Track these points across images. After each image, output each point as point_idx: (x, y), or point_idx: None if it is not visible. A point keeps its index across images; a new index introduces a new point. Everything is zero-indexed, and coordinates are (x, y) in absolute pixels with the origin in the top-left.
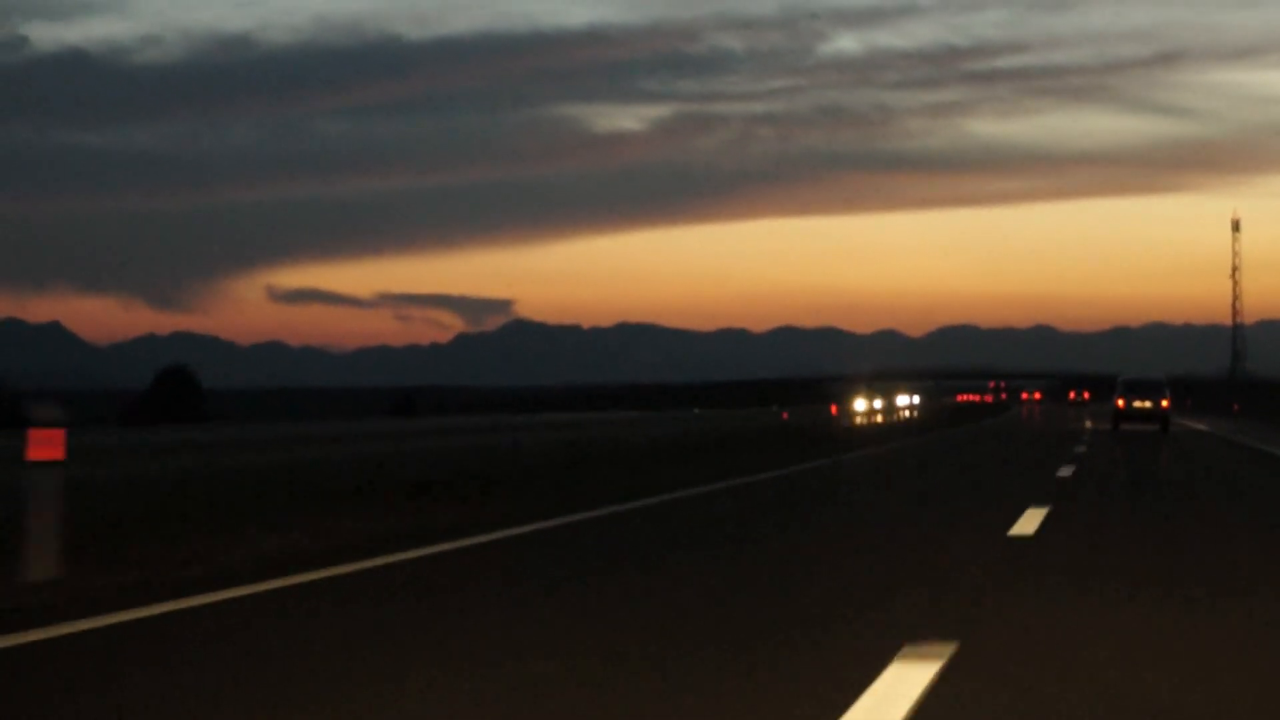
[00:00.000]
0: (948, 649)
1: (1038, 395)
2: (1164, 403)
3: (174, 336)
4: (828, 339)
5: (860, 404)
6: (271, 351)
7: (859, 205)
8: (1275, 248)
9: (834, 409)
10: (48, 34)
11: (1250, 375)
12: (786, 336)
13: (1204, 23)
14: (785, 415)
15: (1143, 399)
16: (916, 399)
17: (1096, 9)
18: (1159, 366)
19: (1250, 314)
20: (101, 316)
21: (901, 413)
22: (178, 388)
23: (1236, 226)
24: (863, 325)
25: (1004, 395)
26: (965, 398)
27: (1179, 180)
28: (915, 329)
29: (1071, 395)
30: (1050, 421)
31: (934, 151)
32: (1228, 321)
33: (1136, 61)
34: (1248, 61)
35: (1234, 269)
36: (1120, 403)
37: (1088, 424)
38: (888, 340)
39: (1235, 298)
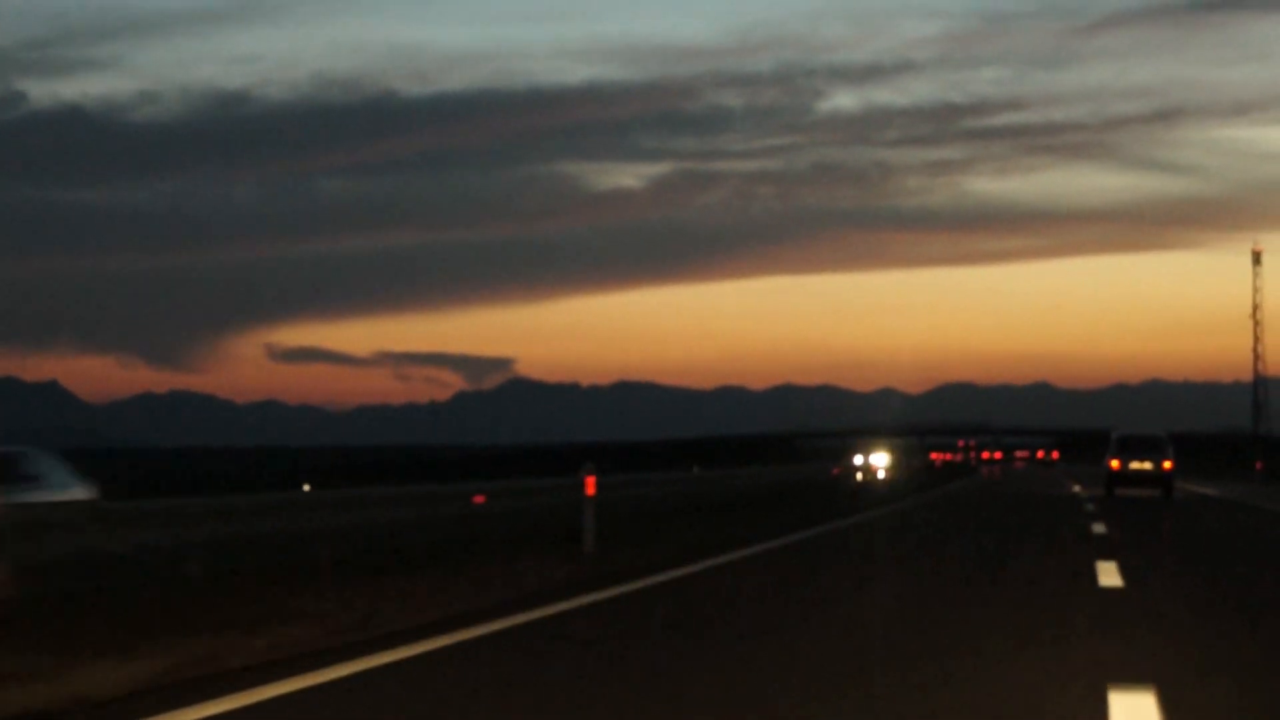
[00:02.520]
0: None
1: (1040, 454)
2: (1166, 463)
3: (171, 395)
4: (827, 396)
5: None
6: (269, 410)
7: (857, 263)
8: (1275, 303)
9: (836, 470)
10: (44, 90)
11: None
12: (786, 394)
13: (1203, 80)
14: (837, 471)
15: (1141, 459)
16: (886, 459)
17: (1095, 67)
18: (1158, 424)
19: (1244, 372)
20: (99, 375)
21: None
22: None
23: (1258, 259)
24: (862, 383)
25: (988, 454)
26: (939, 456)
27: (1178, 237)
28: (914, 386)
29: (1040, 454)
30: (1021, 486)
31: (933, 209)
32: (1227, 378)
33: (1135, 119)
34: (1247, 118)
35: (1255, 307)
36: (1115, 464)
37: (1075, 488)
38: (887, 398)
39: (1257, 339)
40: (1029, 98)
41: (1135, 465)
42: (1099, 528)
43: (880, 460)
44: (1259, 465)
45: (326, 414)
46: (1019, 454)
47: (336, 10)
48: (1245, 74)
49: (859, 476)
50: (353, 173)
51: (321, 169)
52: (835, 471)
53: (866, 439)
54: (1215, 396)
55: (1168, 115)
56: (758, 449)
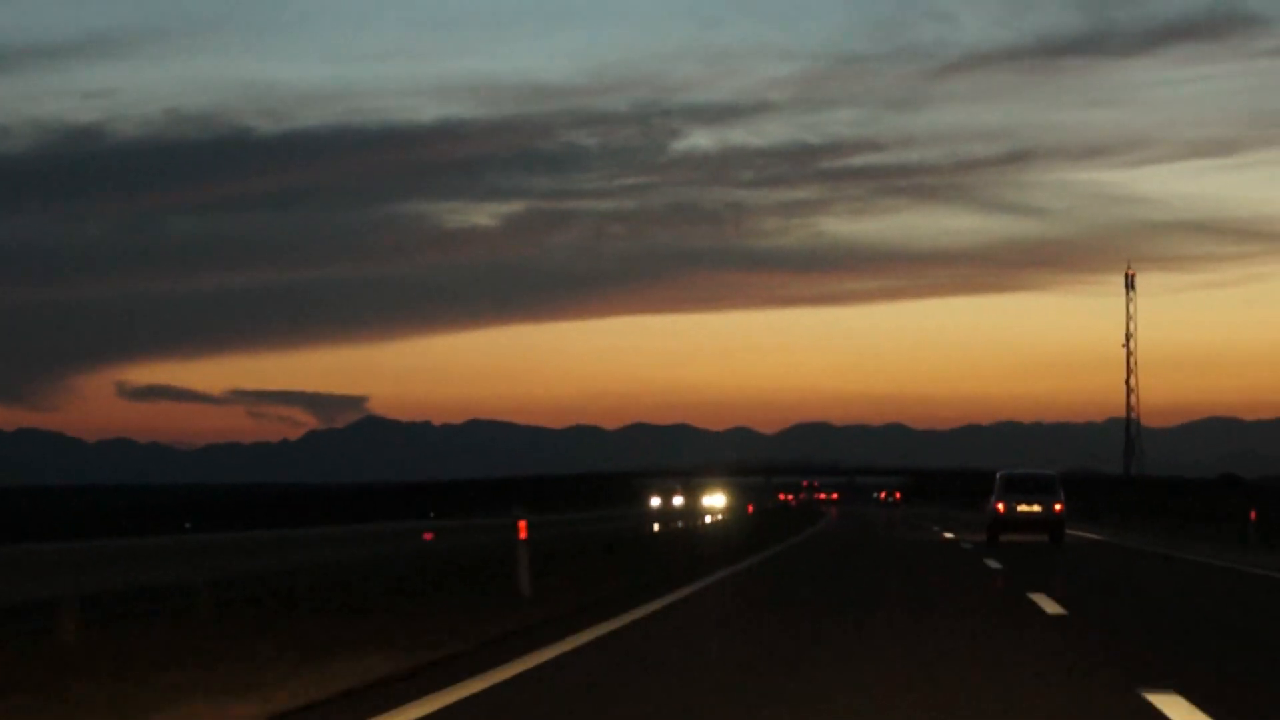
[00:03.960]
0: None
1: (897, 495)
2: (1057, 506)
3: (19, 433)
4: (680, 436)
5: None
6: (119, 448)
7: (713, 303)
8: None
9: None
10: None
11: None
12: (639, 433)
13: (1053, 123)
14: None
15: (1029, 502)
16: (721, 500)
17: (948, 109)
18: (1009, 464)
19: (1099, 412)
20: None
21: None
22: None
23: (1131, 283)
24: (716, 422)
25: (823, 495)
26: (786, 497)
27: (1030, 279)
28: (768, 426)
29: (883, 495)
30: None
31: (788, 249)
32: (1079, 419)
33: (988, 161)
34: (1096, 161)
35: (1128, 336)
36: (1000, 507)
37: (947, 535)
38: (741, 437)
39: (1130, 371)
40: (883, 139)
41: (1023, 508)
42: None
43: (717, 502)
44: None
45: (177, 452)
46: (881, 494)
47: (190, 47)
48: (1095, 117)
49: (655, 526)
50: (205, 210)
51: (174, 206)
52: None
53: (674, 478)
54: (1066, 436)
55: (1019, 158)
56: (595, 488)
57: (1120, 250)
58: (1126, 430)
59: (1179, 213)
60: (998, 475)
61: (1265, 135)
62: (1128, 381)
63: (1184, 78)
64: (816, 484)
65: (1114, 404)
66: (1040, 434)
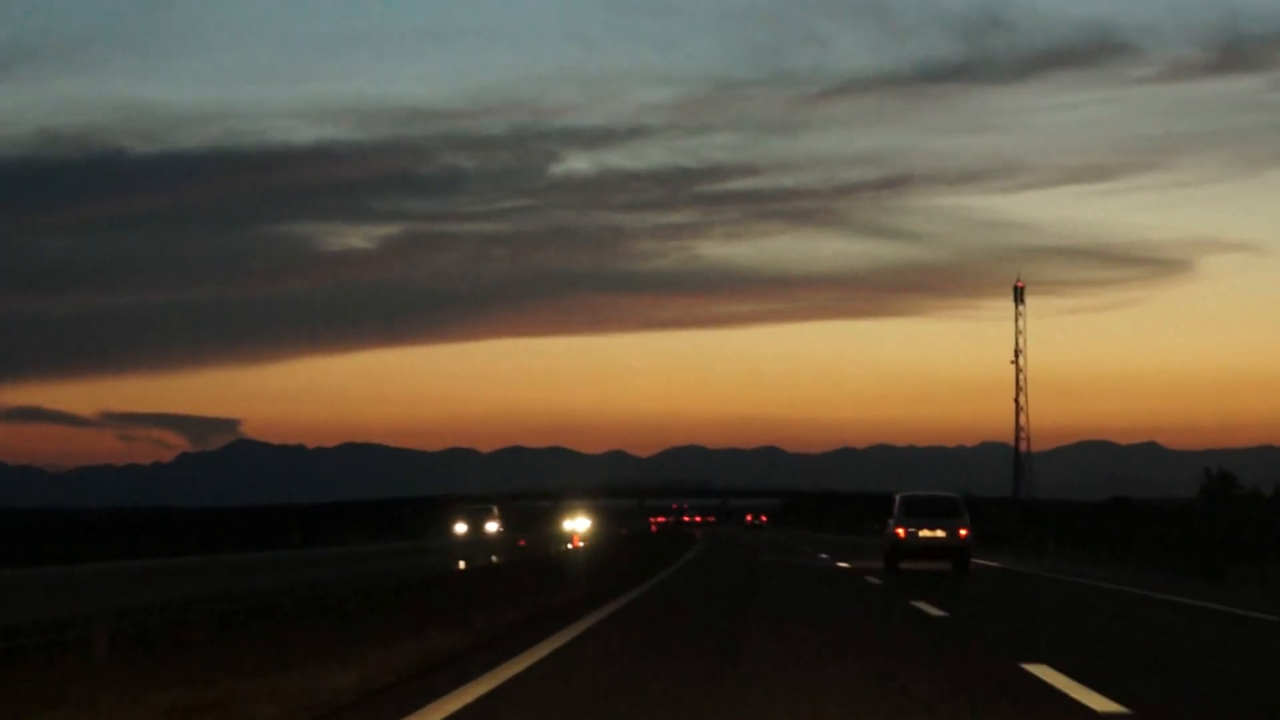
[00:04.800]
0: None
1: (764, 518)
2: (962, 531)
3: None
4: (556, 459)
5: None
6: None
7: (590, 326)
8: (998, 368)
9: (522, 541)
10: None
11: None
12: (515, 456)
13: (928, 148)
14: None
15: (932, 527)
16: (585, 524)
17: (824, 134)
18: (883, 488)
19: (971, 436)
20: None
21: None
22: None
23: (1020, 296)
24: (591, 445)
25: (688, 519)
26: (659, 519)
27: (905, 303)
28: (643, 449)
29: (749, 518)
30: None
31: (664, 272)
32: (951, 443)
33: (864, 186)
34: (972, 186)
35: (1017, 352)
36: (900, 532)
37: (841, 565)
38: (616, 460)
39: (1019, 389)
40: (760, 164)
41: (925, 533)
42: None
43: (580, 526)
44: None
45: (46, 475)
46: (748, 517)
47: (64, 67)
48: (971, 143)
49: (461, 564)
50: (79, 231)
51: (47, 226)
52: (520, 543)
53: (486, 502)
54: (940, 460)
55: (895, 183)
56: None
57: (995, 275)
58: (1015, 452)
59: (1054, 238)
60: (897, 497)
61: (1139, 161)
62: (1017, 400)
63: (1059, 104)
64: (686, 506)
65: (988, 428)
66: (914, 457)
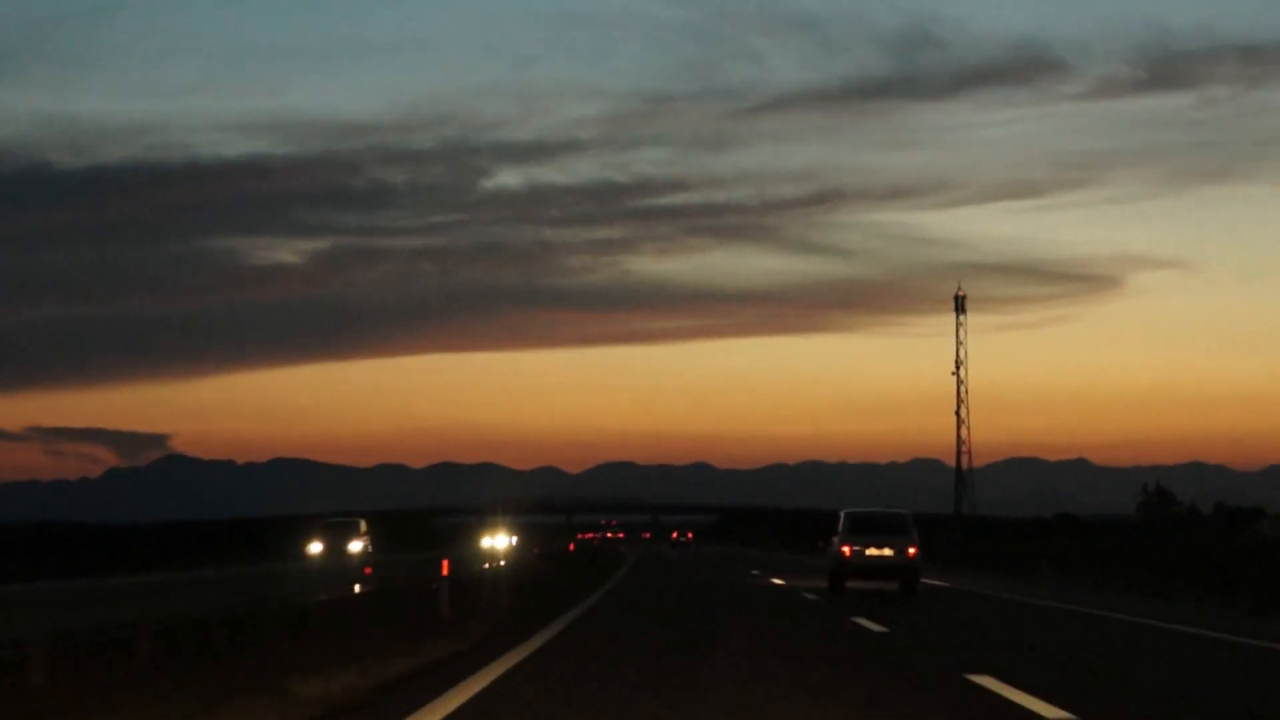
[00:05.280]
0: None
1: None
2: (910, 550)
3: None
4: (487, 475)
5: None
6: None
7: (520, 341)
8: (929, 385)
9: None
10: None
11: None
12: (445, 472)
13: (859, 164)
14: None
15: (880, 545)
16: (504, 542)
17: (754, 149)
18: (814, 503)
19: (903, 453)
20: None
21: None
22: None
23: (961, 306)
24: (522, 461)
25: (611, 535)
26: (589, 536)
27: (836, 319)
28: (574, 465)
29: (675, 535)
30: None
31: (595, 288)
32: (883, 460)
33: (795, 201)
34: (902, 202)
35: (958, 363)
36: (845, 550)
37: (776, 581)
38: (547, 476)
39: (960, 401)
40: (691, 179)
41: (872, 552)
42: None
43: (499, 544)
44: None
45: None
46: (674, 534)
47: None
48: (902, 159)
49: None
50: (4, 244)
51: None
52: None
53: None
54: (870, 476)
55: (826, 198)
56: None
57: (927, 292)
58: (957, 467)
59: (984, 254)
60: (842, 514)
61: (1070, 178)
62: (958, 412)
63: (990, 121)
64: (615, 522)
65: (920, 444)
66: (846, 474)
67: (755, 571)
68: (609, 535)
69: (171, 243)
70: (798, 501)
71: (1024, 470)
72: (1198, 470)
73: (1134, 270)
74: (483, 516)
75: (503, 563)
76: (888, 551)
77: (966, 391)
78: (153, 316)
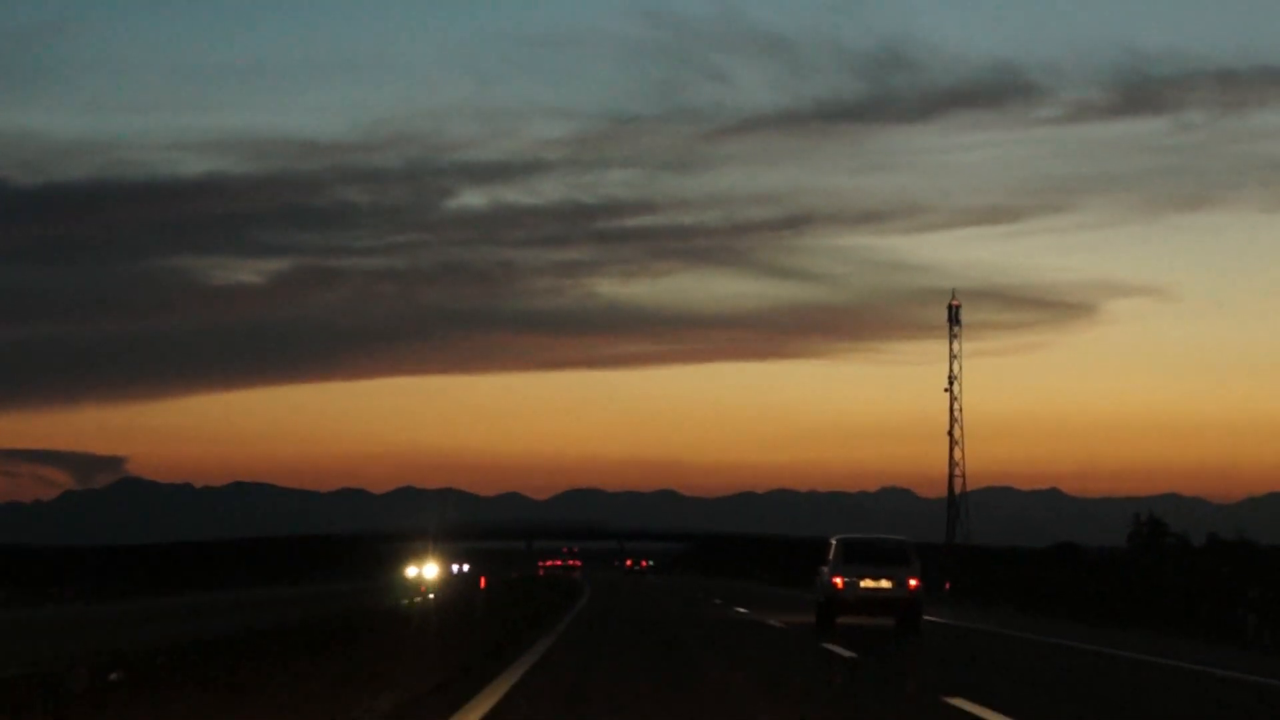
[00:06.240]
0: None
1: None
2: (911, 581)
3: None
4: (448, 500)
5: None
6: None
7: (483, 365)
8: (903, 410)
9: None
10: None
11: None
12: (407, 497)
13: (829, 188)
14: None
15: (877, 576)
16: (434, 571)
17: (724, 172)
18: (784, 531)
19: (872, 481)
20: None
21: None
22: None
23: (956, 316)
24: (486, 487)
25: (573, 563)
26: (551, 563)
27: (805, 344)
28: (539, 491)
29: (629, 563)
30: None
31: (560, 311)
32: (852, 488)
33: (764, 225)
34: (873, 226)
35: (951, 380)
36: (838, 582)
37: (713, 600)
38: (511, 502)
39: (953, 419)
40: (658, 201)
41: (869, 584)
42: None
43: (430, 573)
44: (946, 585)
45: None
46: (628, 562)
47: None
48: (873, 183)
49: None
50: None
51: None
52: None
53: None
54: (840, 505)
55: (796, 222)
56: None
57: (897, 317)
58: (950, 492)
59: (956, 280)
60: (833, 541)
61: (1043, 203)
62: (951, 432)
63: (962, 145)
64: (576, 550)
65: (889, 472)
66: (815, 503)
67: (717, 600)
68: (561, 564)
69: (129, 262)
70: (766, 529)
71: (997, 500)
72: (1174, 501)
73: (1108, 297)
74: (430, 541)
75: (431, 595)
76: (886, 583)
77: (960, 410)
78: (109, 337)
